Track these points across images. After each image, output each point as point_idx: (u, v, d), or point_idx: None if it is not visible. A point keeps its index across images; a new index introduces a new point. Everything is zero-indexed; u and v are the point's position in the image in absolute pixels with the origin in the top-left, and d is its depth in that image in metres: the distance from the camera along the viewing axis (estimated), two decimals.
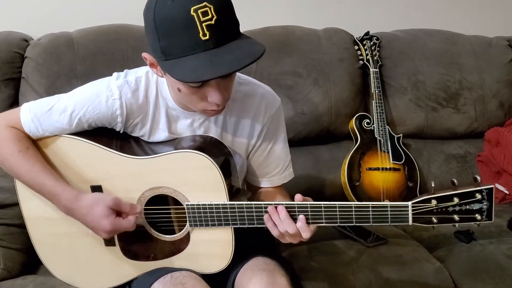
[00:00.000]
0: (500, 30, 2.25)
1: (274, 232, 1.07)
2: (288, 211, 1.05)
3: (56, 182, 1.14)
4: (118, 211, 1.11)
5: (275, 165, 1.27)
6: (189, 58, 0.94)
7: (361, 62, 2.01)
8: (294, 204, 1.06)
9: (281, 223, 1.05)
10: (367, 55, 2.00)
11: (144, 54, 1.05)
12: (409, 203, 1.01)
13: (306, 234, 1.05)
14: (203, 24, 0.92)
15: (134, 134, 1.21)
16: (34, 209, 1.22)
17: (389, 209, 1.02)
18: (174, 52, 0.95)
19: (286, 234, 1.06)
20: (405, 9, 2.28)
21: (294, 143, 1.79)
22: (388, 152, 1.91)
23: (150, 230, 1.19)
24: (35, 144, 1.18)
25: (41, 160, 1.16)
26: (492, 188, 0.99)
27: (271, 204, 1.07)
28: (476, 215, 1.00)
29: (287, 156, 1.29)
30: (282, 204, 1.06)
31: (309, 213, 1.05)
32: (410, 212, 1.01)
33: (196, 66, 0.93)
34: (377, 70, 1.98)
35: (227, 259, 1.14)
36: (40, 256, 1.28)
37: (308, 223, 1.05)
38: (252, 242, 1.21)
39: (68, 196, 1.12)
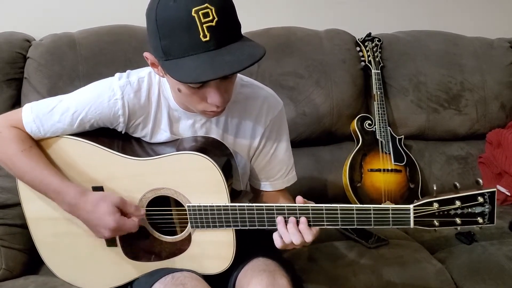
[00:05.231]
0: (501, 32, 2.25)
1: (278, 244, 1.08)
2: (290, 213, 1.06)
3: (62, 179, 1.14)
4: (122, 211, 1.11)
5: (278, 168, 1.27)
6: (190, 58, 0.94)
7: (362, 63, 2.01)
8: (296, 206, 1.06)
9: (295, 234, 1.05)
10: (368, 56, 2.00)
11: (146, 54, 1.05)
12: (411, 206, 1.01)
13: (308, 237, 1.05)
14: (204, 25, 0.92)
15: (136, 135, 1.21)
16: (36, 209, 1.22)
17: (390, 212, 1.02)
18: (175, 52, 0.95)
19: (290, 245, 1.07)
20: (406, 11, 2.28)
21: (295, 144, 1.78)
22: (389, 153, 1.91)
23: (152, 231, 1.19)
24: (38, 146, 1.18)
25: (44, 159, 1.16)
26: (495, 191, 0.99)
27: (272, 206, 1.07)
28: (478, 218, 1.00)
29: (290, 159, 1.29)
30: (292, 206, 1.06)
31: (311, 216, 1.05)
32: (411, 215, 1.01)
33: (196, 66, 0.93)
34: (379, 71, 1.98)
35: (228, 260, 1.14)
36: (42, 256, 1.28)
37: (309, 225, 1.05)
38: (252, 243, 1.21)
39: (73, 192, 1.12)
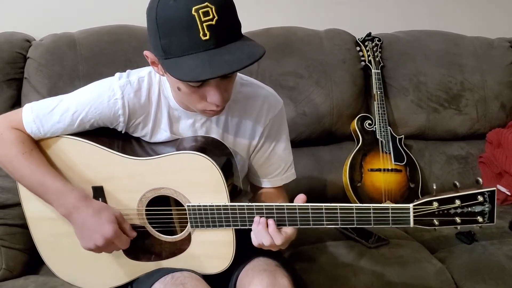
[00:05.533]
0: (501, 32, 2.25)
1: (255, 241, 1.08)
2: (288, 213, 1.06)
3: (64, 182, 1.14)
4: (119, 226, 1.12)
5: (276, 166, 1.27)
6: (189, 57, 0.94)
7: (362, 63, 2.01)
8: (295, 205, 1.06)
9: (265, 236, 1.06)
10: (368, 56, 2.00)
11: (146, 52, 1.05)
12: (411, 205, 1.01)
13: (278, 240, 1.05)
14: (204, 24, 0.92)
15: (136, 135, 1.21)
16: (36, 209, 1.22)
17: (390, 211, 1.02)
18: (175, 51, 0.95)
19: (263, 246, 1.07)
20: (406, 11, 2.28)
21: (295, 144, 1.79)
22: (389, 153, 1.91)
23: (152, 231, 1.19)
24: (38, 146, 1.18)
25: (45, 162, 1.16)
26: (494, 190, 0.98)
27: (272, 206, 1.07)
28: (478, 217, 1.00)
29: (289, 157, 1.29)
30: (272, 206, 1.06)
31: (310, 215, 1.05)
32: (411, 214, 1.01)
33: (195, 65, 0.93)
34: (379, 71, 1.98)
35: (228, 260, 1.14)
36: (42, 255, 1.28)
37: (281, 226, 1.06)
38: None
39: (76, 195, 1.12)
